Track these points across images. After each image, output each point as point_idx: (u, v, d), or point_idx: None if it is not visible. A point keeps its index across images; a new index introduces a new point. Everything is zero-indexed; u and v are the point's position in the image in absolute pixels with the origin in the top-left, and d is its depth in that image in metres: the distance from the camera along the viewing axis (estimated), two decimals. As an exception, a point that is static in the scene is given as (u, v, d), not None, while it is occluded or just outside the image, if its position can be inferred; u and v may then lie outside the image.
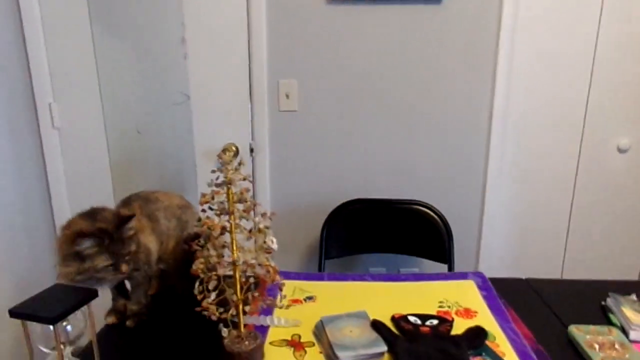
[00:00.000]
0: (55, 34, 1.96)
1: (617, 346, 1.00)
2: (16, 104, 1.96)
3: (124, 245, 1.03)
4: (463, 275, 1.38)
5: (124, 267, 1.02)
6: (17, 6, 1.90)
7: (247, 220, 0.92)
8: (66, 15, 1.94)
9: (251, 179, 0.91)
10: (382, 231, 1.95)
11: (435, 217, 1.88)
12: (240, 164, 0.90)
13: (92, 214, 1.05)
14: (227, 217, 0.91)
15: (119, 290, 1.19)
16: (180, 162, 2.09)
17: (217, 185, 0.91)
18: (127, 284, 1.18)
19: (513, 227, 2.16)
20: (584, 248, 2.17)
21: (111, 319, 1.17)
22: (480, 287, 1.30)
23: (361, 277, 1.37)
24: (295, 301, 1.24)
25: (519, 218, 2.15)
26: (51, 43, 1.96)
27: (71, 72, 2.00)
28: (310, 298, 1.26)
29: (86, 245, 0.97)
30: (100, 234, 0.99)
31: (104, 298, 1.49)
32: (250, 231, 0.92)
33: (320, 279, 1.38)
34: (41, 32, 1.94)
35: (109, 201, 2.11)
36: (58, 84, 2.01)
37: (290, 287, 1.32)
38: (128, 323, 1.15)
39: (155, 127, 2.06)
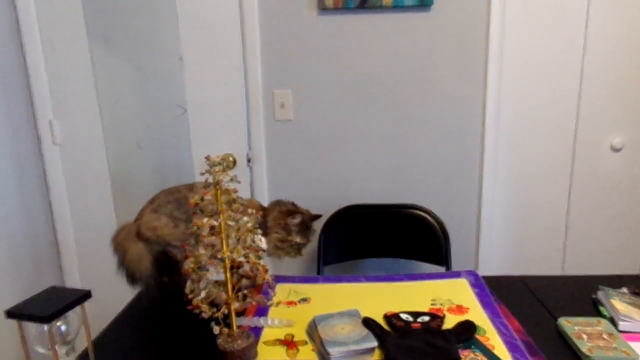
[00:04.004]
0: (54, 52, 2.01)
1: (605, 336, 1.01)
2: (17, 121, 2.00)
3: (307, 235, 1.32)
4: (456, 274, 1.39)
5: (302, 252, 1.33)
6: (16, 25, 1.96)
7: (236, 220, 0.95)
8: (65, 34, 1.99)
9: (239, 180, 0.93)
10: (380, 236, 1.96)
11: (433, 220, 1.89)
12: (227, 166, 0.93)
13: (285, 203, 1.33)
14: (217, 218, 0.94)
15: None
16: (180, 174, 2.12)
17: (206, 186, 0.93)
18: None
19: (511, 228, 2.17)
20: (582, 247, 2.17)
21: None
22: (472, 285, 1.32)
23: (355, 279, 1.39)
24: (290, 303, 1.26)
25: (516, 219, 2.16)
26: (50, 61, 2.02)
27: (71, 89, 2.05)
28: (304, 300, 1.28)
29: (297, 221, 1.28)
30: (305, 217, 1.31)
31: (101, 300, 1.51)
32: (238, 230, 0.94)
33: (315, 281, 1.39)
34: (40, 51, 2.00)
35: (110, 215, 2.15)
36: (58, 101, 2.06)
37: (285, 290, 1.33)
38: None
39: (154, 140, 2.10)
